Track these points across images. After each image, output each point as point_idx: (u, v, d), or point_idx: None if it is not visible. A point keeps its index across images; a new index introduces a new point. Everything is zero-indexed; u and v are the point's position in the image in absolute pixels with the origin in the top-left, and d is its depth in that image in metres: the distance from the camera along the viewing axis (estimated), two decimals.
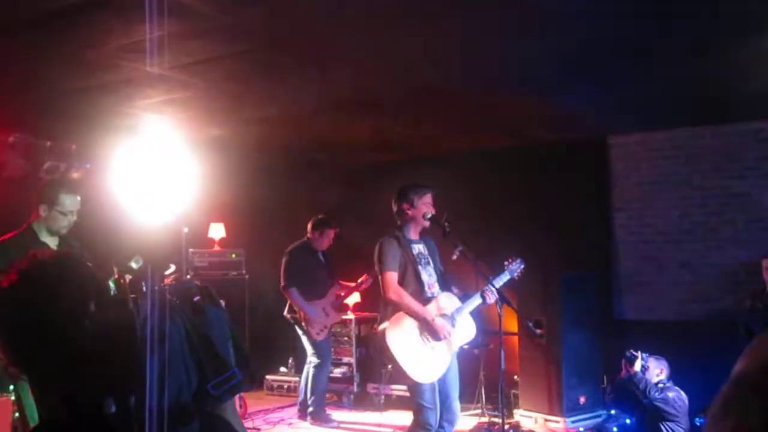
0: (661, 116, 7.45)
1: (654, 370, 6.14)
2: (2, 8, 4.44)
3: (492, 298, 5.26)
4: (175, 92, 6.38)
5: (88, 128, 7.62)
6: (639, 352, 6.19)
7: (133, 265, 4.60)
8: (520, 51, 5.38)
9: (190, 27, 4.71)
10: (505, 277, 5.49)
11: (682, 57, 5.53)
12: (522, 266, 5.58)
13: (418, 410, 5.10)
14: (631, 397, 6.09)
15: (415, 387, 5.08)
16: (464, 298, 5.35)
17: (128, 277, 2.19)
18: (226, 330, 2.15)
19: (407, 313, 5.10)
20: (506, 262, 5.58)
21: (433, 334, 5.11)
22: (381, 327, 5.16)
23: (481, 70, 5.89)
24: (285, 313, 7.79)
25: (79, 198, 4.90)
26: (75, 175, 7.54)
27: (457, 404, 5.32)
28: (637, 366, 6.12)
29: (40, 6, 4.38)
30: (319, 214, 7.97)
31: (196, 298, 2.11)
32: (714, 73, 5.93)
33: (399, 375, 5.10)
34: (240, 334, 2.24)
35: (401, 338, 5.04)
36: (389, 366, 5.01)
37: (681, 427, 5.86)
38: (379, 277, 5.25)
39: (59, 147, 7.50)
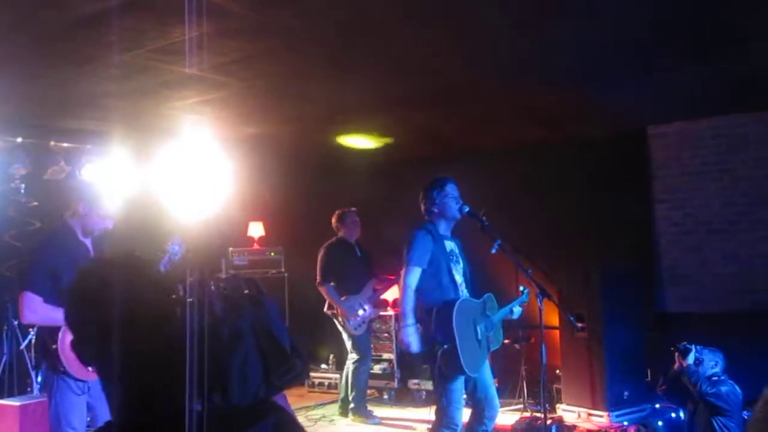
0: (702, 104, 7.32)
1: (708, 363, 5.98)
2: (37, 13, 4.50)
3: (515, 315, 5.53)
4: (211, 92, 6.43)
5: (127, 131, 7.73)
6: (693, 345, 6.04)
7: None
8: (560, 42, 5.32)
9: (225, 27, 4.74)
10: (518, 304, 5.57)
11: (724, 44, 5.43)
12: (526, 296, 5.60)
13: (445, 409, 5.05)
14: (684, 390, 5.96)
15: (444, 385, 5.03)
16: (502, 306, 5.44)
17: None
18: (280, 321, 2.20)
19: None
20: (521, 287, 5.67)
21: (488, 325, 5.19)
22: (438, 309, 5.07)
23: (519, 63, 5.84)
24: (325, 309, 7.81)
25: (117, 203, 4.91)
26: (112, 176, 7.65)
27: (496, 400, 5.29)
28: (690, 358, 5.97)
29: (77, 11, 4.43)
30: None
31: (245, 291, 2.16)
32: (757, 60, 5.81)
33: (447, 358, 4.94)
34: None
35: (463, 324, 5.00)
36: (445, 346, 4.92)
37: (733, 423, 5.70)
38: (404, 267, 5.18)
39: (97, 150, 7.62)
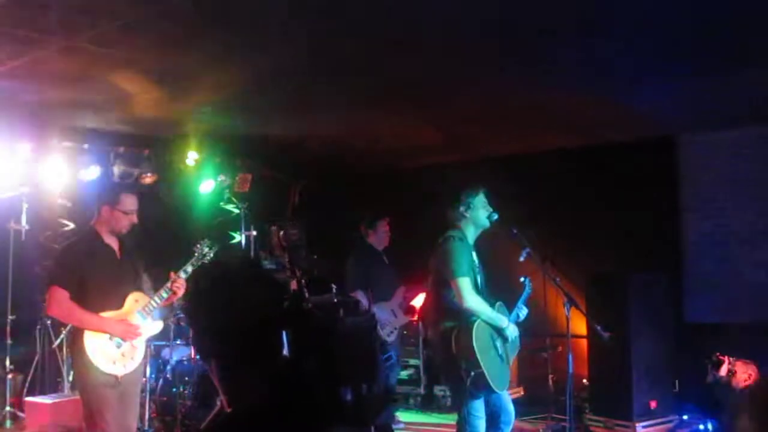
0: (732, 114, 7.25)
1: (741, 375, 5.90)
2: (71, 23, 4.58)
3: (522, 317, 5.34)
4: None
5: (156, 134, 7.82)
6: (726, 356, 5.97)
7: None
8: (592, 51, 5.31)
9: None
10: (523, 302, 5.42)
11: (757, 53, 5.39)
12: (529, 287, 5.48)
13: (467, 419, 5.00)
14: (716, 402, 5.91)
15: (470, 401, 5.00)
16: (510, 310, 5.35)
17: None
18: None
19: (486, 321, 5.02)
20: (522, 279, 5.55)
21: (504, 339, 5.11)
22: (458, 332, 5.00)
23: (550, 71, 5.83)
24: None
25: (137, 197, 4.93)
26: (147, 180, 7.75)
27: (511, 406, 5.26)
28: (723, 370, 5.90)
29: (112, 19, 4.52)
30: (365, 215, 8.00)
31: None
32: None
33: (478, 381, 4.92)
34: None
35: (484, 345, 4.97)
36: (472, 373, 4.90)
37: None
38: (451, 282, 5.03)
39: (132, 152, 7.73)
